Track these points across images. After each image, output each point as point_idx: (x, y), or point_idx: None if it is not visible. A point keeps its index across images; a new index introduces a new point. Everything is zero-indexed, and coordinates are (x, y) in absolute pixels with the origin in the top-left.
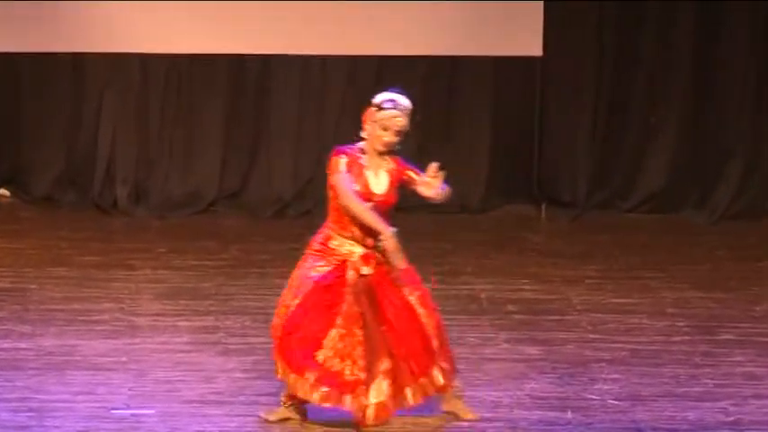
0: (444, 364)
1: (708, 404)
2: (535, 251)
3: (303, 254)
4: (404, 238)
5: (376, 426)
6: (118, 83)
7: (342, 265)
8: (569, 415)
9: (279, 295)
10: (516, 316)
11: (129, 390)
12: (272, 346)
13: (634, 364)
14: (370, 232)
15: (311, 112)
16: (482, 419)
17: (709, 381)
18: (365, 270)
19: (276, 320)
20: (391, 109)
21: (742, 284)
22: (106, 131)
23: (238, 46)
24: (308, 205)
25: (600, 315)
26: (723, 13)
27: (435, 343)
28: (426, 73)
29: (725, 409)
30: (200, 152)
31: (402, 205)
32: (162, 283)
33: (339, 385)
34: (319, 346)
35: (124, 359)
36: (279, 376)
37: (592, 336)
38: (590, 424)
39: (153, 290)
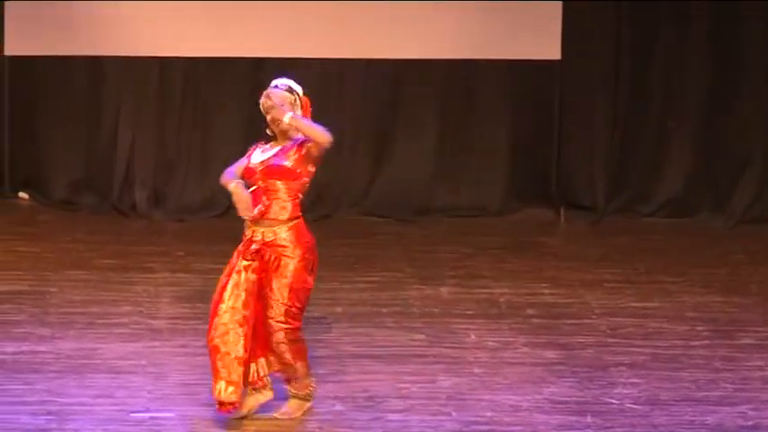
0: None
1: (727, 408)
2: (554, 255)
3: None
4: (423, 242)
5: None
6: (136, 86)
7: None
8: (589, 419)
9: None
10: (535, 320)
11: (149, 393)
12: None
13: (653, 369)
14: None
15: (329, 116)
16: (502, 423)
17: (728, 385)
18: (248, 255)
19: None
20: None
21: (761, 289)
22: (125, 135)
23: (256, 49)
24: (325, 209)
25: (619, 319)
26: (741, 15)
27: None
28: (445, 76)
29: (744, 413)
30: (218, 155)
31: (422, 210)
32: (180, 286)
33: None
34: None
35: (143, 362)
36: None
37: (611, 340)
38: (609, 428)
39: (172, 293)
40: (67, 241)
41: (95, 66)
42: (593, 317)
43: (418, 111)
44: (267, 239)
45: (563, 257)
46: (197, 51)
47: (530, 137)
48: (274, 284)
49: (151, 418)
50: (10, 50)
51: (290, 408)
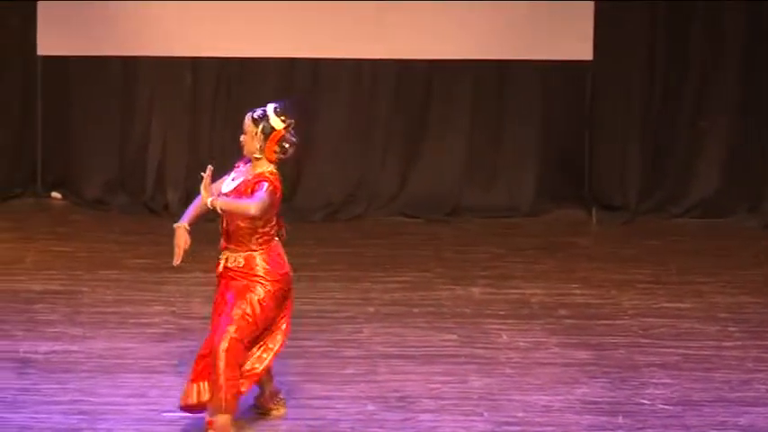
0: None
1: (760, 409)
2: (586, 255)
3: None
4: (455, 242)
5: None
6: (169, 87)
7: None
8: (620, 420)
9: (330, 299)
10: (567, 320)
11: (180, 393)
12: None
13: (685, 369)
14: (225, 237)
15: (361, 116)
16: (533, 423)
17: (761, 386)
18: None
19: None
20: None
21: None
22: (157, 135)
23: (288, 49)
24: (358, 209)
25: (651, 319)
26: None
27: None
28: (476, 77)
29: None
30: None
31: (453, 210)
32: (212, 286)
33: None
34: None
35: (175, 362)
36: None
37: (643, 340)
38: (641, 429)
39: (203, 293)
40: (100, 241)
41: (128, 66)
42: (625, 317)
43: (450, 111)
44: (234, 265)
45: (595, 258)
46: (229, 52)
47: (561, 137)
48: (231, 312)
49: (183, 417)
50: (43, 50)
51: None
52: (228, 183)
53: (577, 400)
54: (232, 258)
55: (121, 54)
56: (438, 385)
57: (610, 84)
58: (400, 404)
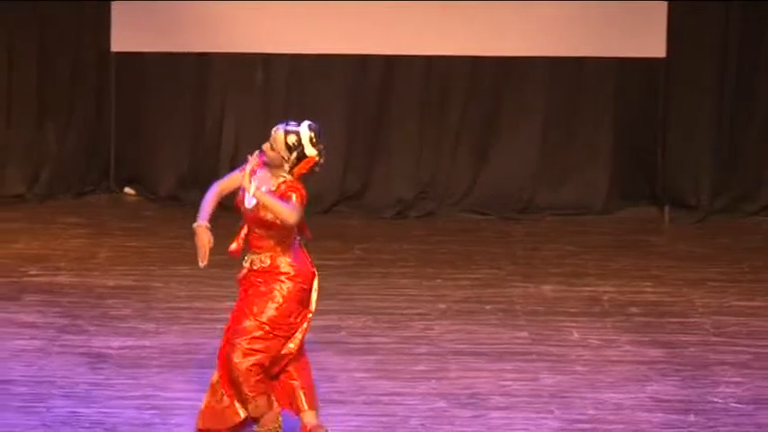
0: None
1: None
2: (658, 253)
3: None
4: (527, 240)
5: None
6: (241, 83)
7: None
8: (692, 418)
9: (402, 295)
10: (639, 318)
11: None
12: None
13: (757, 368)
14: (250, 238)
15: (434, 113)
16: (605, 421)
17: None
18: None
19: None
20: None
21: None
22: (230, 131)
23: (361, 46)
24: (429, 207)
25: (723, 318)
26: None
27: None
28: (549, 74)
29: None
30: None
31: (525, 207)
32: None
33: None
34: None
35: None
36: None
37: (714, 339)
38: (712, 427)
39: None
40: (173, 236)
41: (201, 62)
42: (697, 315)
43: (522, 108)
44: (259, 266)
45: (667, 256)
46: (301, 48)
47: (634, 135)
48: (256, 302)
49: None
50: (116, 46)
51: None
52: (247, 197)
53: (649, 397)
54: (257, 260)
55: (194, 50)
56: (509, 382)
57: (683, 81)
58: (471, 401)
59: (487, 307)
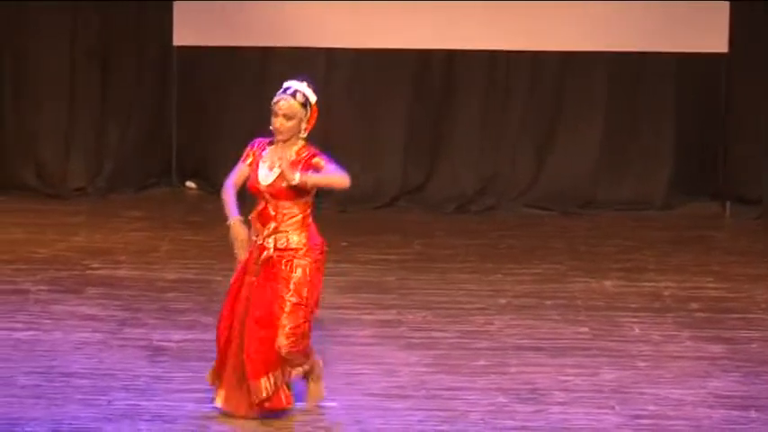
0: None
1: None
2: (719, 249)
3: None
4: (588, 235)
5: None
6: (303, 77)
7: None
8: (753, 414)
9: (462, 290)
10: (700, 314)
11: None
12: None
13: None
14: (260, 220)
15: (495, 108)
16: (665, 417)
17: None
18: (258, 261)
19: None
20: (278, 93)
21: None
22: None
23: (423, 41)
24: (490, 201)
25: None
26: None
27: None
28: (610, 69)
29: None
30: (384, 146)
31: (586, 202)
32: (345, 277)
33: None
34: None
35: None
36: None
37: None
38: None
39: (335, 283)
40: None
41: (263, 56)
42: (759, 311)
43: (583, 103)
44: (283, 245)
45: (728, 251)
46: (363, 42)
47: (695, 130)
48: (286, 288)
49: (315, 407)
50: (179, 41)
51: (314, 392)
52: (266, 171)
53: (710, 393)
54: (281, 239)
55: (256, 44)
56: (569, 378)
57: (745, 77)
58: (531, 396)
59: (548, 302)
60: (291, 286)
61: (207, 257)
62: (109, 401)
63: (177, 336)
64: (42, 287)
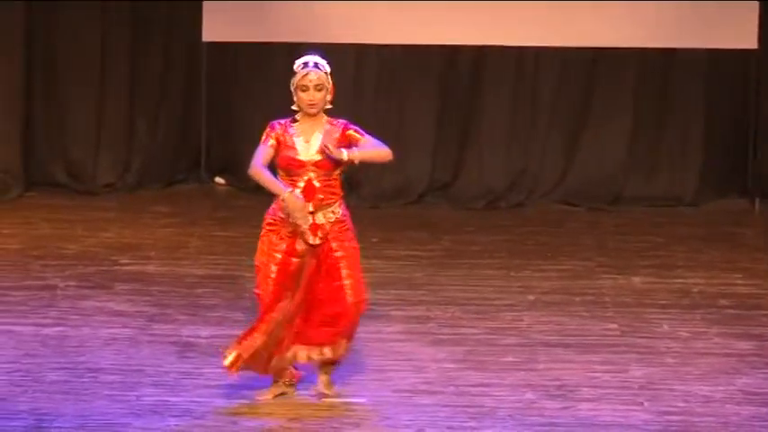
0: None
1: None
2: (748, 246)
3: (261, 231)
4: (616, 231)
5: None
6: (332, 73)
7: (293, 237)
8: None
9: (490, 286)
10: (729, 310)
11: (341, 378)
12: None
13: None
14: (306, 196)
15: (524, 104)
16: (694, 414)
17: None
18: (314, 240)
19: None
20: (302, 69)
21: None
22: None
23: (452, 36)
24: (519, 197)
25: None
26: None
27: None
28: (640, 65)
29: None
30: (412, 143)
31: (615, 199)
32: (374, 273)
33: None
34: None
35: None
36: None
37: None
38: None
39: (365, 279)
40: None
41: (292, 52)
42: None
43: (613, 99)
44: (336, 217)
45: (757, 248)
46: (392, 38)
47: (725, 126)
48: (346, 260)
49: (343, 403)
50: (208, 36)
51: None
52: (304, 145)
53: (738, 390)
54: (329, 214)
55: (285, 40)
56: (598, 374)
57: None
58: (560, 393)
59: (576, 298)
60: (351, 258)
61: (236, 253)
62: (137, 397)
63: (206, 332)
64: (71, 283)
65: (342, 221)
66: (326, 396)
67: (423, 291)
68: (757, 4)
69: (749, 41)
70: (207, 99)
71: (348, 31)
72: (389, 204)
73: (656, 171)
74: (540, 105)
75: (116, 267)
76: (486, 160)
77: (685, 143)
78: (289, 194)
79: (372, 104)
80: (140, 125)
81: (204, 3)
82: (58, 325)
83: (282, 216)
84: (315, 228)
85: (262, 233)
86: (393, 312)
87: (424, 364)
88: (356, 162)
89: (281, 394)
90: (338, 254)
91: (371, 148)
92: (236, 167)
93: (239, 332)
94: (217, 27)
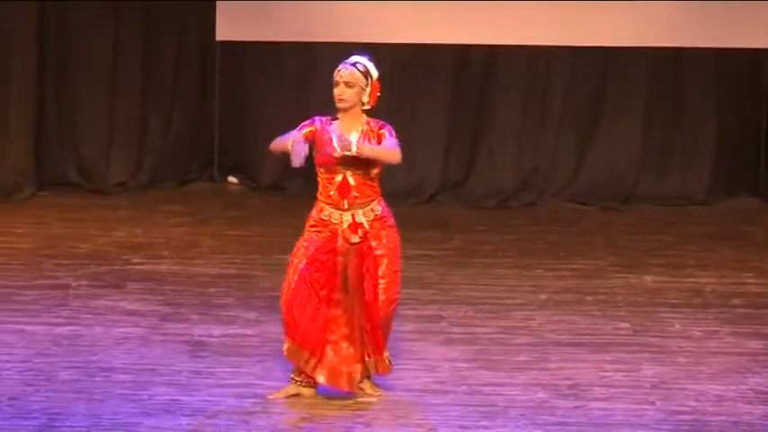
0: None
1: None
2: (760, 245)
3: (303, 230)
4: (628, 231)
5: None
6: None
7: (333, 236)
8: None
9: (502, 285)
10: (740, 310)
11: None
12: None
13: None
14: (341, 194)
15: (535, 103)
16: (706, 413)
17: None
18: (354, 238)
19: (281, 300)
20: (339, 65)
21: None
22: None
23: (463, 36)
24: (531, 197)
25: None
26: None
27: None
28: (652, 64)
29: None
30: (424, 142)
31: (626, 198)
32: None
33: (338, 365)
34: (325, 328)
35: None
36: (287, 355)
37: None
38: None
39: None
40: (275, 225)
41: (305, 51)
42: None
43: (624, 98)
44: (375, 214)
45: None
46: (403, 37)
47: (737, 126)
48: (386, 258)
49: (355, 402)
50: (221, 36)
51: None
52: (338, 143)
53: (750, 389)
54: (369, 211)
55: (298, 40)
56: (610, 373)
57: None
58: (571, 392)
59: (588, 298)
60: (391, 256)
61: (248, 253)
62: (149, 396)
63: (218, 331)
64: (83, 282)
65: (382, 218)
66: (371, 395)
67: (434, 290)
68: None
69: (761, 41)
70: (220, 98)
71: (360, 30)
72: (401, 204)
73: (668, 170)
74: (551, 105)
75: (128, 267)
76: (497, 159)
77: (696, 142)
78: (292, 137)
79: (385, 104)
80: (153, 124)
81: (217, 2)
82: (71, 324)
83: (325, 217)
84: (355, 226)
85: (303, 233)
86: (405, 312)
87: (436, 363)
88: (363, 155)
89: (296, 395)
90: (378, 252)
91: (382, 147)
92: (248, 167)
93: (251, 331)
94: (230, 26)
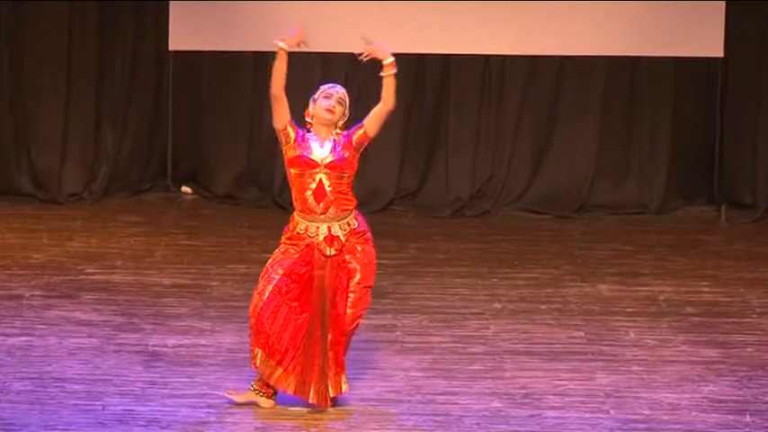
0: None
1: None
2: (715, 253)
3: (279, 242)
4: (583, 239)
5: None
6: (299, 82)
7: (310, 249)
8: (748, 418)
9: (457, 294)
10: (695, 318)
11: None
12: (249, 333)
13: None
14: (316, 198)
15: (490, 112)
16: (660, 421)
17: None
18: (329, 251)
19: (251, 308)
20: (329, 84)
21: None
22: None
23: (418, 46)
24: (486, 205)
25: None
26: None
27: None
28: (607, 73)
29: None
30: (380, 151)
31: (582, 206)
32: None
33: (306, 377)
34: (294, 339)
35: None
36: (254, 365)
37: None
38: None
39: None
40: (229, 235)
41: (259, 61)
42: (754, 315)
43: (579, 107)
44: (351, 228)
45: (724, 256)
46: (359, 47)
47: (691, 134)
48: (359, 272)
49: (310, 412)
50: (174, 45)
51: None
52: (319, 147)
53: (704, 398)
54: (345, 225)
55: (252, 49)
56: (564, 382)
57: (740, 81)
58: (526, 401)
59: (543, 306)
60: (365, 271)
61: (202, 262)
62: (103, 407)
63: (173, 341)
64: (37, 292)
65: (359, 232)
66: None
67: (389, 299)
68: (723, 13)
69: (715, 50)
70: (173, 108)
71: (315, 39)
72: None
73: (623, 179)
74: (506, 114)
75: (82, 277)
76: (452, 168)
77: (652, 151)
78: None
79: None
80: (107, 134)
81: (171, 12)
82: (24, 335)
83: (300, 231)
84: (330, 239)
85: (279, 246)
86: (359, 321)
87: (391, 372)
88: (391, 72)
89: (252, 403)
90: (351, 265)
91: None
92: (202, 176)
93: (205, 341)
94: (183, 36)
